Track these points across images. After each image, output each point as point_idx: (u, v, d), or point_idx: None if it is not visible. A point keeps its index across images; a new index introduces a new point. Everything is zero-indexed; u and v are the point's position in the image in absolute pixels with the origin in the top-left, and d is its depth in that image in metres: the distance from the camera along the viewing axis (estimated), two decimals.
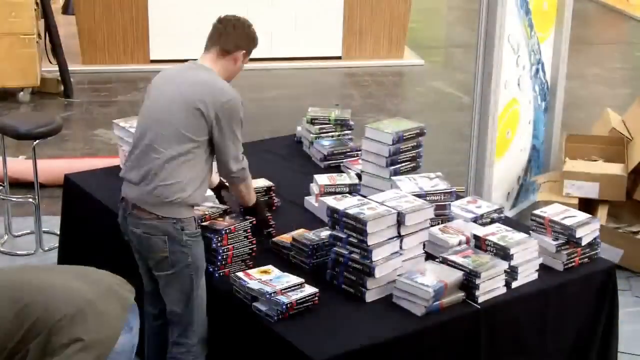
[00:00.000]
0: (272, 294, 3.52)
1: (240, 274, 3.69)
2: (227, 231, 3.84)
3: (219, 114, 3.64)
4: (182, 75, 3.78)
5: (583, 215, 4.10)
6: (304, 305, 3.55)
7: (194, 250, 3.70)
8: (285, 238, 4.06)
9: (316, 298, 3.59)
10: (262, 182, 4.42)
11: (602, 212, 5.51)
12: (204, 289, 3.75)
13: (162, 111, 3.69)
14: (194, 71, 3.78)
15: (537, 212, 4.12)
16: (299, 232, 4.06)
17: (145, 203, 3.67)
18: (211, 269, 3.83)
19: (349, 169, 4.81)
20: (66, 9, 10.43)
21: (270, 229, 4.08)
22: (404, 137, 4.52)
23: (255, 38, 3.92)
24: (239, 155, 3.75)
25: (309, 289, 3.60)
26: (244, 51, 3.85)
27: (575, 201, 5.52)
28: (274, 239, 4.07)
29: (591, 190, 5.60)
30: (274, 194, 4.44)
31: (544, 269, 3.97)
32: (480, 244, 3.88)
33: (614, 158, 5.87)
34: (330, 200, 4.00)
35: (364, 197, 4.06)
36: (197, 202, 3.76)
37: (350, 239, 3.71)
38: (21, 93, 8.20)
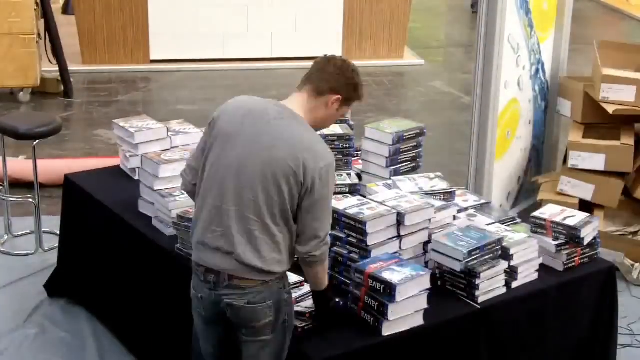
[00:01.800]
0: None
1: None
2: None
3: (316, 180, 3.16)
4: (273, 128, 3.20)
5: (582, 215, 4.10)
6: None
7: (291, 307, 3.35)
8: None
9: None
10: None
11: (599, 215, 5.49)
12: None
13: (245, 172, 3.18)
14: (287, 122, 3.22)
15: (536, 213, 4.11)
16: None
17: (245, 272, 3.21)
18: None
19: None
20: (66, 9, 10.45)
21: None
22: (404, 137, 4.52)
23: (357, 86, 3.35)
24: (328, 231, 3.26)
25: (307, 288, 3.54)
26: (340, 97, 3.32)
27: (574, 201, 5.52)
28: None
29: (598, 163, 5.55)
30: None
31: (544, 269, 3.97)
32: None
33: None
34: None
35: (364, 197, 4.07)
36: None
37: (350, 239, 3.71)
38: (21, 93, 8.20)
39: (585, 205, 5.49)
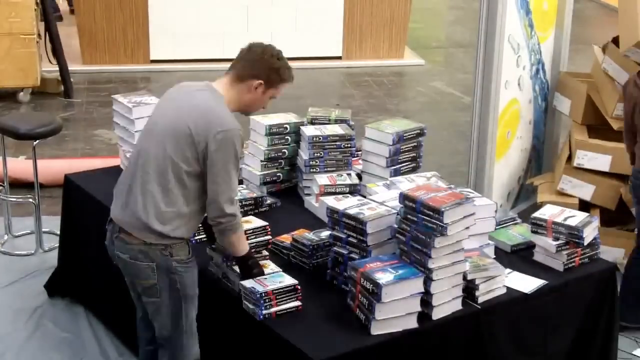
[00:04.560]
0: (262, 294, 3.50)
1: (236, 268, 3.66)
2: None
3: (210, 144, 3.39)
4: (187, 95, 3.56)
5: (582, 215, 4.10)
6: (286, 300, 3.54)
7: (184, 277, 3.55)
8: (285, 238, 4.06)
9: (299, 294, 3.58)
10: (256, 223, 3.91)
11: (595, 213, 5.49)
12: (193, 317, 3.63)
13: (157, 133, 3.49)
14: (200, 93, 3.54)
15: (536, 214, 4.11)
16: (299, 232, 4.06)
17: (132, 227, 3.50)
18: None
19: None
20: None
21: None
22: (404, 137, 4.52)
23: (278, 70, 3.58)
24: (230, 197, 3.44)
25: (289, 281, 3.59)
26: (261, 82, 3.55)
27: (574, 201, 5.52)
28: (273, 240, 4.07)
29: (603, 164, 5.54)
30: (270, 236, 3.92)
31: (544, 269, 3.97)
32: None
33: None
34: (330, 201, 4.01)
35: (364, 197, 4.07)
36: (184, 237, 3.53)
37: (350, 239, 3.71)
38: (21, 93, 8.19)
39: (583, 207, 5.49)
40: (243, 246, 3.58)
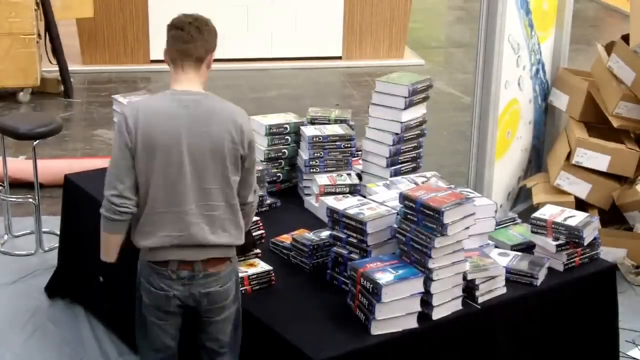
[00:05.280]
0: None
1: None
2: None
3: (245, 143, 3.33)
4: (192, 116, 3.28)
5: (582, 215, 4.10)
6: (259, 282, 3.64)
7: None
8: (285, 238, 4.06)
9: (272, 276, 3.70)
10: None
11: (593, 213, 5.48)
12: None
13: (191, 158, 3.26)
14: (207, 100, 3.33)
15: (536, 214, 4.11)
16: (299, 232, 4.06)
17: (220, 252, 3.37)
18: None
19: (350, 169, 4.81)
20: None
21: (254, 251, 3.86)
22: (405, 138, 4.53)
23: (215, 34, 3.46)
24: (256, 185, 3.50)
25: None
26: (211, 52, 3.42)
27: (570, 198, 5.51)
28: (273, 240, 4.07)
29: (601, 164, 5.54)
30: (262, 230, 4.09)
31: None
32: None
33: None
34: (330, 201, 4.01)
35: (364, 197, 4.07)
36: None
37: (350, 239, 3.71)
38: (21, 93, 8.19)
39: (578, 207, 5.50)
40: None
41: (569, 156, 5.63)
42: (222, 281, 3.37)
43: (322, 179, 4.50)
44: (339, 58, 9.82)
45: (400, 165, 4.55)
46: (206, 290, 3.35)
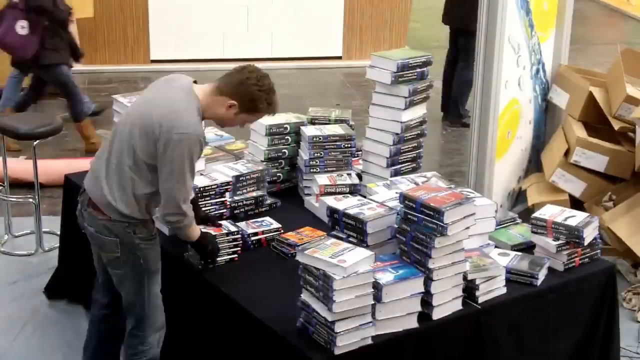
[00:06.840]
0: None
1: None
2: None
3: (168, 143, 3.48)
4: (167, 89, 3.66)
5: (582, 215, 4.10)
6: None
7: (147, 254, 3.71)
8: (290, 236, 4.06)
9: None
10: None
11: (595, 209, 5.47)
12: (157, 291, 3.79)
13: (131, 120, 3.62)
14: (178, 92, 3.61)
15: (537, 214, 4.11)
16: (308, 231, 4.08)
17: (99, 202, 3.66)
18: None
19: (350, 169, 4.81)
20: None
21: (214, 263, 3.90)
22: (405, 138, 4.53)
23: (254, 100, 3.64)
24: (186, 197, 3.57)
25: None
26: (236, 103, 3.62)
27: (564, 197, 5.52)
28: (277, 237, 4.08)
29: (599, 164, 5.54)
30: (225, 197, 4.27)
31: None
32: None
33: None
34: (330, 201, 4.01)
35: (364, 197, 4.07)
36: (146, 218, 3.69)
37: (350, 239, 3.71)
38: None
39: (573, 207, 5.50)
40: (196, 232, 3.76)
41: (566, 153, 5.63)
42: (97, 228, 3.67)
43: (322, 179, 4.50)
44: (339, 58, 9.83)
45: (401, 165, 4.55)
46: (85, 224, 3.75)
